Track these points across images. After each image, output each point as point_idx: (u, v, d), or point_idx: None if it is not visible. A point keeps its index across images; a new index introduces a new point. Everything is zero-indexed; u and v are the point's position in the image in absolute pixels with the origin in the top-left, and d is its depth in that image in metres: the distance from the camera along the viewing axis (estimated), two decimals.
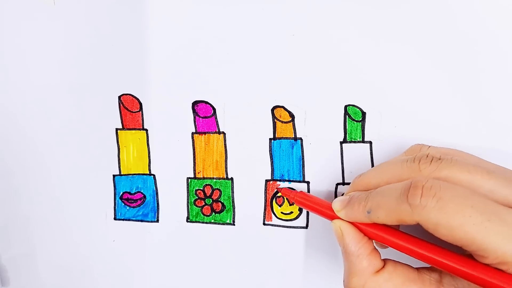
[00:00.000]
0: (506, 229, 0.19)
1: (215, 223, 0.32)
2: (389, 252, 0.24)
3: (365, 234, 0.24)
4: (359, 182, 0.25)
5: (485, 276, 0.20)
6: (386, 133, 0.28)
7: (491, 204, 0.20)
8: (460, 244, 0.20)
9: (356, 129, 0.29)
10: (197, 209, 0.32)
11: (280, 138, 0.30)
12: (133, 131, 0.32)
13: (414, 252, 0.22)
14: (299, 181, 0.30)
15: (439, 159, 0.22)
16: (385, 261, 0.24)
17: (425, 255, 0.21)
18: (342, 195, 0.30)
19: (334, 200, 0.25)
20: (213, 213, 0.32)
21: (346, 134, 0.29)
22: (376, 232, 0.23)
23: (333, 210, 0.25)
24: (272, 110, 0.30)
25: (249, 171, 0.31)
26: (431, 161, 0.22)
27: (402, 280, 0.23)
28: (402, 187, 0.21)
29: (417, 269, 0.23)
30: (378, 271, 0.23)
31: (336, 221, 0.25)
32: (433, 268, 0.23)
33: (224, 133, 0.31)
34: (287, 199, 0.31)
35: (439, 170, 0.22)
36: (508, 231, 0.19)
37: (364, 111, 0.29)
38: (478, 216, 0.19)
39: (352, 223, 0.24)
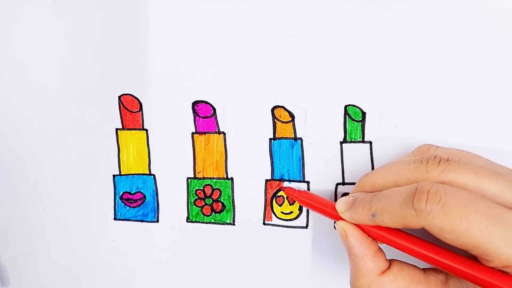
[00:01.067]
0: (511, 233, 0.19)
1: (215, 223, 0.32)
2: (394, 253, 0.24)
3: (369, 235, 0.24)
4: (365, 182, 0.25)
5: (490, 279, 0.20)
6: (386, 133, 0.28)
7: (497, 208, 0.20)
8: (465, 248, 0.20)
9: (356, 129, 0.29)
10: (197, 209, 0.32)
11: (280, 138, 0.30)
12: (133, 131, 0.32)
13: (419, 254, 0.22)
14: (299, 181, 0.30)
15: (447, 160, 0.22)
16: (391, 261, 0.24)
17: (430, 257, 0.21)
18: (343, 195, 0.30)
19: (338, 201, 0.25)
20: (213, 213, 0.32)
21: (346, 134, 0.29)
22: (380, 233, 0.23)
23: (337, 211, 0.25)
24: (272, 110, 0.30)
25: (249, 171, 0.31)
26: (439, 163, 0.22)
27: (407, 281, 0.23)
28: (408, 191, 0.21)
29: (423, 270, 0.23)
30: (383, 272, 0.23)
31: (340, 222, 0.25)
32: (439, 269, 0.23)
33: (224, 133, 0.31)
34: (287, 197, 0.31)
35: (447, 172, 0.21)
36: None
37: (364, 111, 0.29)
38: (482, 220, 0.19)
39: (356, 224, 0.24)
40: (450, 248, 0.21)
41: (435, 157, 0.22)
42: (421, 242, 0.22)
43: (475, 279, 0.20)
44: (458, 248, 0.20)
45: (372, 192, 0.24)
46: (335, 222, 0.25)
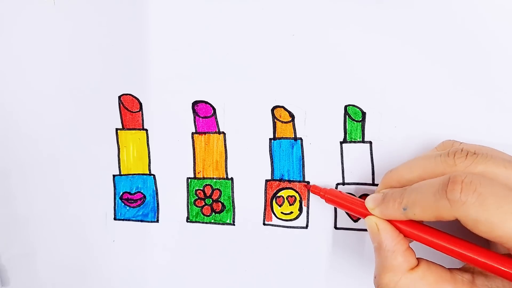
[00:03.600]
0: None
1: (215, 223, 0.32)
2: (421, 253, 0.24)
3: (400, 232, 0.24)
4: (391, 178, 0.25)
5: None
6: (386, 133, 0.28)
7: None
8: (499, 241, 0.20)
9: (356, 129, 0.29)
10: (197, 209, 0.32)
11: (280, 138, 0.30)
12: (133, 131, 0.32)
13: (450, 250, 0.22)
14: (299, 181, 0.30)
15: (474, 153, 0.22)
16: (418, 260, 0.23)
17: (461, 253, 0.21)
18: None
19: (367, 198, 0.25)
20: (213, 213, 0.32)
21: (346, 134, 0.29)
22: (411, 230, 0.23)
23: (366, 208, 0.25)
24: (272, 110, 0.30)
25: (249, 171, 0.31)
26: (467, 155, 0.22)
27: (435, 279, 0.22)
28: (440, 182, 0.21)
29: (449, 269, 0.23)
30: (412, 269, 0.23)
31: (371, 217, 0.24)
32: (465, 269, 0.23)
33: (224, 133, 0.31)
34: (287, 197, 0.31)
35: (475, 165, 0.21)
36: None
37: (364, 111, 0.29)
38: None
39: (387, 220, 0.24)
40: (481, 244, 0.21)
41: (462, 150, 0.22)
42: (453, 238, 0.22)
43: (507, 274, 0.20)
44: (489, 242, 0.20)
45: (400, 187, 0.24)
46: (366, 217, 0.25)
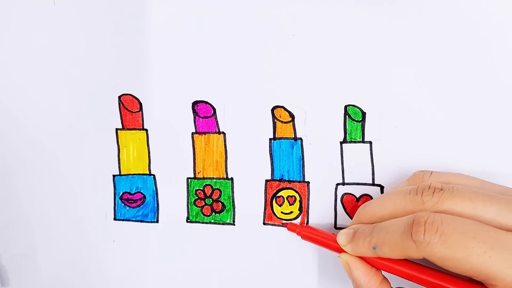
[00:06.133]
0: (510, 255, 0.19)
1: (215, 223, 0.32)
2: (398, 282, 0.24)
3: (372, 265, 0.24)
4: (364, 214, 0.25)
5: None
6: (386, 133, 0.28)
7: (494, 231, 0.20)
8: (468, 275, 0.20)
9: (356, 129, 0.29)
10: (197, 209, 0.32)
11: (280, 138, 0.30)
12: (133, 131, 0.32)
13: (424, 281, 0.22)
14: (299, 181, 0.30)
15: (441, 189, 0.22)
16: None
17: (435, 283, 0.22)
18: (344, 195, 0.30)
19: (339, 234, 0.26)
20: (213, 213, 0.32)
21: (346, 134, 0.29)
22: (383, 263, 0.24)
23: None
24: (272, 110, 0.30)
25: (249, 171, 0.31)
26: (433, 193, 0.22)
27: None
28: (406, 223, 0.22)
29: None
30: None
31: (342, 255, 0.25)
32: None
33: (224, 133, 0.31)
34: (287, 197, 0.31)
35: (442, 202, 0.22)
36: None
37: (364, 111, 0.29)
38: (481, 246, 0.19)
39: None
40: (455, 275, 0.21)
41: (429, 187, 0.23)
42: (425, 269, 0.22)
43: None
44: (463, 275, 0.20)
45: (371, 223, 0.25)
46: (338, 255, 0.25)
